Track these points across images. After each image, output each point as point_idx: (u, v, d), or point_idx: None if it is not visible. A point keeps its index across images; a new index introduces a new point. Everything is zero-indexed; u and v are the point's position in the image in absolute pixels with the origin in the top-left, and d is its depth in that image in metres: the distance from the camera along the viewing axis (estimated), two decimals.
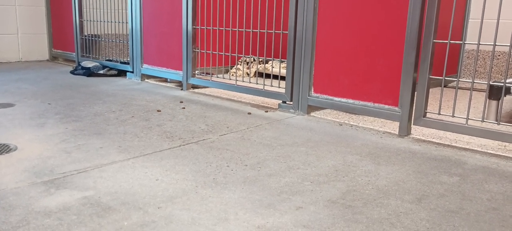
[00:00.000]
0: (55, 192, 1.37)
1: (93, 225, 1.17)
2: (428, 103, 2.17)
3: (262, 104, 2.89)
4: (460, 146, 2.04)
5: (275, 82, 3.14)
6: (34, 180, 1.46)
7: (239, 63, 3.95)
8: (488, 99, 2.51)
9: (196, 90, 3.35)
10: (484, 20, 3.94)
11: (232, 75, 3.76)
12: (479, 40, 1.97)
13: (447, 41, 2.06)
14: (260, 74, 3.91)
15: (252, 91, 2.91)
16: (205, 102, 2.88)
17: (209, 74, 3.43)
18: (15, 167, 1.58)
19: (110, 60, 4.17)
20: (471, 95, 2.01)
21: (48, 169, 1.57)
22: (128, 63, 3.91)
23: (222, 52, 3.31)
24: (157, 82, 3.67)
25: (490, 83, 2.46)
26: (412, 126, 2.21)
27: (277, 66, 3.78)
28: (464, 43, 2.17)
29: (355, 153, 1.88)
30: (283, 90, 2.75)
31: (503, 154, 1.93)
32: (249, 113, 2.60)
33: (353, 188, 1.48)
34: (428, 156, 1.87)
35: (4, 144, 1.84)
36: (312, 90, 2.58)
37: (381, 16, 2.24)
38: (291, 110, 2.67)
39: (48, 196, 1.34)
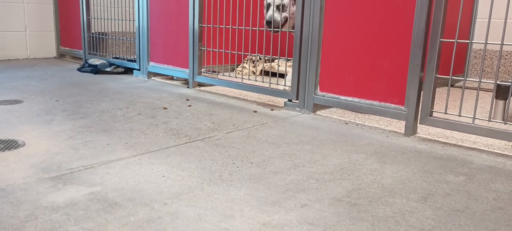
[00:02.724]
0: (62, 188, 1.38)
1: (100, 220, 1.18)
2: (435, 103, 2.17)
3: (268, 102, 2.89)
4: (467, 145, 2.04)
5: (281, 80, 3.14)
6: (41, 176, 1.47)
7: (245, 61, 3.95)
8: (495, 99, 2.50)
9: (202, 88, 3.36)
10: (491, 20, 3.91)
11: (238, 73, 3.77)
12: (486, 40, 1.96)
13: (454, 40, 2.06)
14: (266, 73, 3.91)
15: (258, 90, 2.92)
16: (211, 100, 2.89)
17: (215, 72, 3.44)
18: (23, 162, 1.59)
19: (117, 58, 4.19)
20: (478, 95, 2.00)
21: (55, 165, 1.58)
22: (134, 61, 3.93)
23: (228, 50, 3.31)
24: (164, 80, 3.68)
25: (497, 83, 2.45)
26: (418, 125, 2.20)
27: (283, 65, 3.78)
28: (472, 42, 2.16)
29: (360, 152, 1.88)
30: (289, 89, 2.75)
31: (509, 154, 1.92)
32: (255, 111, 2.60)
33: (359, 186, 1.49)
34: (434, 155, 1.86)
35: (12, 140, 1.86)
36: (318, 89, 2.58)
37: (387, 15, 2.23)
38: (297, 109, 2.67)
39: (55, 191, 1.36)
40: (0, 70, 3.91)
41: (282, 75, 3.72)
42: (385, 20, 2.25)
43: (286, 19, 3.12)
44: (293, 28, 2.96)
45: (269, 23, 3.04)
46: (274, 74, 3.87)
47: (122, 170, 1.56)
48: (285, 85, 2.96)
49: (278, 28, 3.07)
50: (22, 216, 1.19)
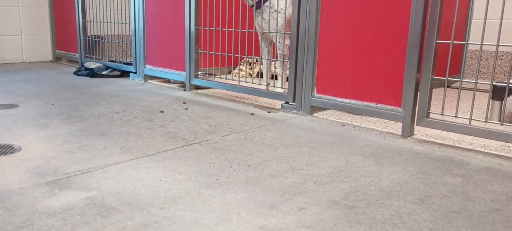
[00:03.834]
0: (58, 193, 1.37)
1: (97, 225, 1.17)
2: (431, 104, 2.17)
3: (265, 105, 2.89)
4: (463, 146, 2.04)
5: (277, 83, 3.13)
6: (37, 181, 1.47)
7: (242, 64, 3.95)
8: (491, 99, 2.50)
9: (199, 91, 3.36)
10: (487, 20, 3.93)
11: (235, 76, 3.77)
12: (482, 41, 1.97)
13: (450, 42, 2.06)
14: (262, 75, 3.91)
15: (255, 92, 2.92)
16: (208, 103, 2.88)
17: (212, 75, 3.43)
18: (18, 167, 1.58)
19: (113, 61, 4.18)
20: (474, 96, 2.00)
21: (51, 169, 1.57)
22: (131, 64, 3.92)
23: (225, 53, 3.31)
24: (160, 83, 3.67)
25: (494, 83, 2.45)
26: (415, 126, 2.20)
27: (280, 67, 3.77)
28: (467, 43, 2.16)
29: (357, 154, 1.88)
30: (285, 91, 2.75)
31: (506, 155, 1.93)
32: (252, 114, 2.60)
33: (356, 189, 1.48)
34: (431, 157, 1.86)
35: (7, 145, 1.85)
36: (315, 90, 2.58)
37: (383, 16, 2.24)
38: (294, 111, 2.67)
39: (52, 196, 1.35)
40: None
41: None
42: (382, 22, 2.25)
43: None
44: (254, 3, 2.95)
45: None
46: (271, 76, 3.87)
47: (118, 174, 1.55)
48: (277, 86, 2.96)
49: None
50: (18, 221, 1.18)
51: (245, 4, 3.05)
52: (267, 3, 2.93)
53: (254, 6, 2.99)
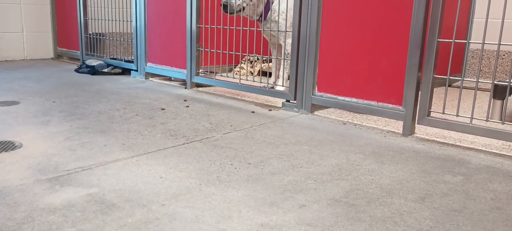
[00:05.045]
0: (59, 189, 1.38)
1: (97, 222, 1.18)
2: (432, 103, 2.17)
3: (266, 103, 2.89)
4: (464, 145, 2.04)
5: (279, 80, 3.13)
6: (38, 177, 1.47)
7: (243, 62, 3.95)
8: (492, 99, 2.50)
9: (200, 88, 3.36)
10: (488, 20, 3.92)
11: (236, 74, 3.77)
12: (483, 40, 1.96)
13: (451, 40, 2.06)
14: (264, 73, 3.91)
15: (256, 90, 2.91)
16: (209, 101, 2.88)
17: (213, 73, 3.43)
18: (19, 164, 1.59)
19: (115, 59, 4.18)
20: (475, 95, 2.00)
21: (52, 166, 1.58)
22: (132, 62, 3.92)
23: (226, 51, 3.31)
24: (161, 81, 3.68)
25: (495, 82, 2.45)
26: (416, 125, 2.20)
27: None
28: (469, 42, 2.16)
29: (358, 152, 1.88)
30: (286, 89, 2.74)
31: (507, 154, 1.93)
32: (253, 112, 2.60)
33: (357, 187, 1.48)
34: (432, 155, 1.86)
35: (9, 141, 1.85)
36: (316, 89, 2.58)
37: (385, 15, 2.23)
38: (294, 109, 2.67)
39: (52, 193, 1.35)
40: None
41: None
42: (383, 20, 2.25)
43: (242, 7, 2.98)
44: (260, 16, 3.00)
45: (225, 7, 2.97)
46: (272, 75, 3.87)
47: (119, 171, 1.55)
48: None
49: (233, 13, 2.98)
50: (19, 217, 1.19)
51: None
52: (269, 14, 2.99)
53: (258, 20, 3.07)
